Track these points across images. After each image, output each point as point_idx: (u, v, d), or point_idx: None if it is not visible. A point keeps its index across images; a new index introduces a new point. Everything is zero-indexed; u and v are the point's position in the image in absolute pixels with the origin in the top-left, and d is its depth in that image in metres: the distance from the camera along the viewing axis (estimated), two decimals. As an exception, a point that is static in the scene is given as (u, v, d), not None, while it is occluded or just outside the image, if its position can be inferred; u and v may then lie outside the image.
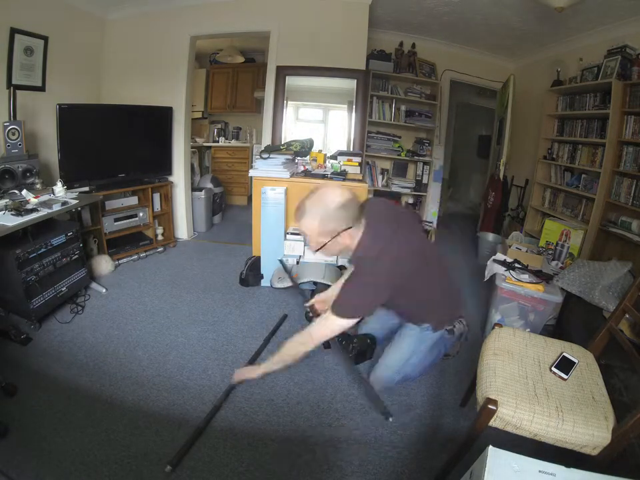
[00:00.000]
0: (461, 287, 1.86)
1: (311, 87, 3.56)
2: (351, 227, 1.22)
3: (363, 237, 1.26)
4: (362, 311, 1.29)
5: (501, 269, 2.16)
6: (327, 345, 1.90)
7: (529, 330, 1.99)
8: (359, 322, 1.51)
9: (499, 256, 2.31)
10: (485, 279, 2.28)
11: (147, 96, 3.20)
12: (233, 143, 5.20)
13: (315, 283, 2.29)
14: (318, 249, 1.26)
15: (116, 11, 3.18)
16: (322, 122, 3.97)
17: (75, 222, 2.40)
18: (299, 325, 2.21)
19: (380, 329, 1.73)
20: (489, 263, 2.31)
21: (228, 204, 4.84)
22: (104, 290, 2.46)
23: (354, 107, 3.47)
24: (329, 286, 2.19)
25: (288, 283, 2.33)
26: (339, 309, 1.23)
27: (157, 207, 3.23)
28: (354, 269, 1.30)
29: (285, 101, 3.40)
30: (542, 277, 2.10)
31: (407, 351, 1.51)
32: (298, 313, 2.33)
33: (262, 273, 2.65)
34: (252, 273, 2.64)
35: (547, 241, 2.85)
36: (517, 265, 2.18)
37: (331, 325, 1.26)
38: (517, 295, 2.04)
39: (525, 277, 2.07)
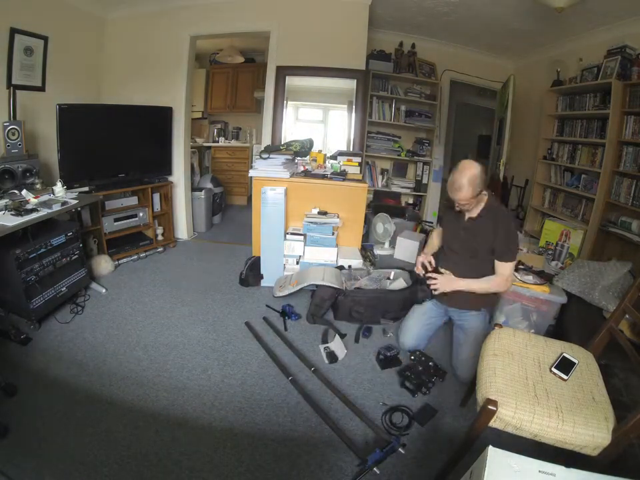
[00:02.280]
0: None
1: (311, 87, 3.56)
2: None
3: (491, 198, 1.67)
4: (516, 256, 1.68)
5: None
6: (333, 359, 1.90)
7: (532, 331, 1.99)
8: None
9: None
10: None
11: (146, 96, 3.20)
12: (233, 143, 5.20)
13: (315, 285, 2.29)
14: (465, 204, 1.61)
15: (116, 11, 3.18)
16: (322, 122, 3.98)
17: (74, 222, 2.39)
18: (299, 324, 2.21)
19: (424, 328, 1.91)
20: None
21: (228, 204, 4.84)
22: (104, 290, 2.46)
23: (354, 107, 3.46)
24: (329, 286, 2.20)
25: (289, 290, 2.34)
26: (513, 255, 1.64)
27: (157, 207, 3.23)
28: (491, 220, 1.62)
29: (285, 101, 3.40)
30: (544, 277, 2.10)
31: (479, 331, 1.73)
32: (298, 312, 2.33)
33: (262, 273, 2.65)
34: (252, 273, 2.64)
35: (546, 241, 2.85)
36: (520, 267, 2.17)
37: (512, 268, 1.66)
38: (521, 296, 2.04)
39: (529, 278, 2.07)
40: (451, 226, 1.84)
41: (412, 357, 1.82)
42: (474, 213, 1.68)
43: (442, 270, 1.78)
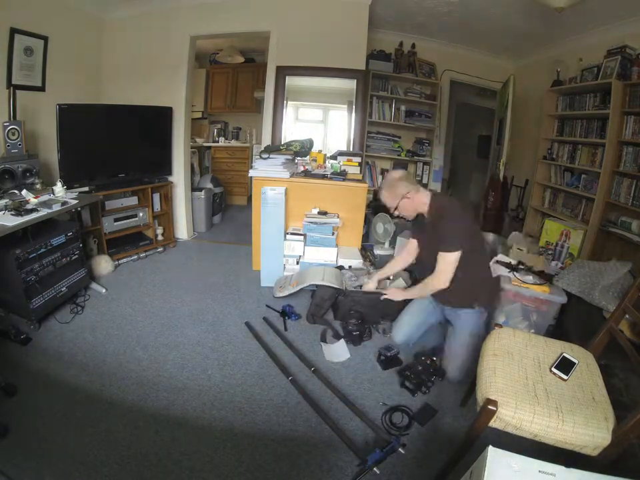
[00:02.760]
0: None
1: (311, 87, 3.56)
2: (412, 191, 1.67)
3: (437, 197, 1.72)
4: (460, 242, 1.56)
5: (504, 271, 2.16)
6: (323, 338, 2.04)
7: (532, 331, 1.99)
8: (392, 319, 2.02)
9: (502, 257, 2.30)
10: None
11: (146, 96, 3.20)
12: (233, 143, 5.20)
13: (315, 285, 2.29)
14: (394, 209, 1.72)
15: (116, 11, 3.17)
16: (322, 122, 3.97)
17: (74, 222, 2.39)
18: (299, 324, 2.21)
19: (416, 325, 1.91)
20: (491, 264, 2.30)
21: (228, 204, 4.84)
22: (104, 290, 2.46)
23: (354, 107, 3.46)
24: (330, 287, 2.20)
25: (289, 291, 2.34)
26: (447, 246, 1.56)
27: (157, 207, 3.23)
28: (439, 217, 1.61)
29: (285, 101, 3.40)
30: (544, 277, 2.10)
31: (472, 329, 1.71)
32: (298, 312, 2.33)
33: (262, 272, 2.66)
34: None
35: (546, 241, 2.85)
36: (520, 267, 2.17)
37: (447, 262, 1.58)
38: (521, 296, 2.04)
39: (529, 278, 2.07)
40: (417, 235, 1.93)
41: (415, 358, 1.81)
42: (426, 217, 1.73)
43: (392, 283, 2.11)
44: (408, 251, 2.00)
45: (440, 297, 1.76)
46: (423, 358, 1.77)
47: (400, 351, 1.93)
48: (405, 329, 1.91)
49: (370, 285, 2.11)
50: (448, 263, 1.58)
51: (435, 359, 1.75)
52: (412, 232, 2.01)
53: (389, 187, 1.71)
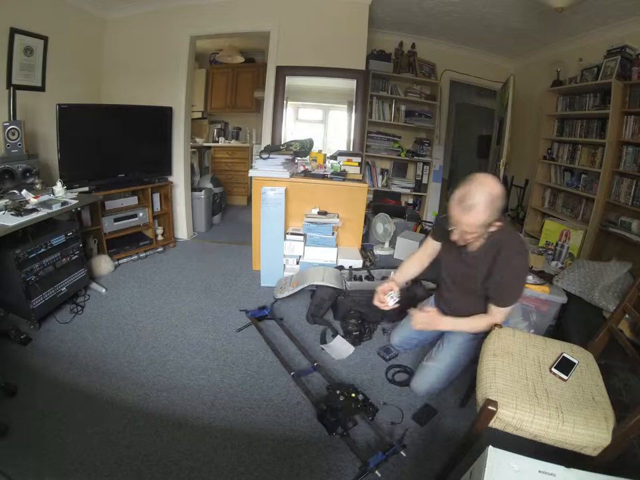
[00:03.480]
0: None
1: (311, 87, 3.56)
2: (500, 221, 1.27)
3: (502, 229, 1.29)
4: (519, 299, 1.38)
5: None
6: (323, 341, 2.01)
7: (532, 331, 1.99)
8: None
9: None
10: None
11: (147, 96, 3.20)
12: (233, 143, 5.20)
13: (315, 285, 2.29)
14: (476, 236, 1.27)
15: (116, 11, 3.17)
16: (322, 122, 3.98)
17: (74, 222, 2.39)
18: (298, 324, 2.21)
19: (417, 332, 1.71)
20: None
21: (228, 204, 4.84)
22: (104, 290, 2.46)
23: (354, 107, 3.47)
24: (330, 287, 2.20)
25: (289, 292, 2.34)
26: (509, 300, 1.33)
27: (157, 207, 3.23)
28: (494, 252, 1.30)
29: (285, 101, 3.40)
30: (544, 277, 2.10)
31: (460, 355, 1.56)
32: (298, 312, 2.34)
33: (262, 272, 2.66)
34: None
35: (546, 241, 2.85)
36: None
37: (505, 314, 1.36)
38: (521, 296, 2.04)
39: (529, 278, 2.07)
40: (447, 254, 1.54)
41: (337, 391, 1.57)
42: (474, 246, 1.37)
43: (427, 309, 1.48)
44: (428, 253, 1.65)
45: (447, 310, 1.59)
46: (338, 392, 1.54)
47: (399, 353, 1.93)
48: (403, 332, 1.85)
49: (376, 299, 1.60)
50: (506, 315, 1.37)
51: (356, 394, 1.54)
52: (438, 237, 1.59)
53: (490, 205, 1.16)
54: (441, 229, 1.48)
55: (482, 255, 1.35)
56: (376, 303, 1.58)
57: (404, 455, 1.35)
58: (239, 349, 1.96)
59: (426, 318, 1.44)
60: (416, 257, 1.68)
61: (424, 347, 1.90)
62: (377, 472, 1.27)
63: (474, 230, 1.22)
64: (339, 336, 2.02)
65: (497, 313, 1.36)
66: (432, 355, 1.65)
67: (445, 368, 1.57)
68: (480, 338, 1.44)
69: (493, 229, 1.26)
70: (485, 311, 1.42)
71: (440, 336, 1.71)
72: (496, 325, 1.35)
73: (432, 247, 1.63)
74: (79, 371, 1.72)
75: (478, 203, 1.15)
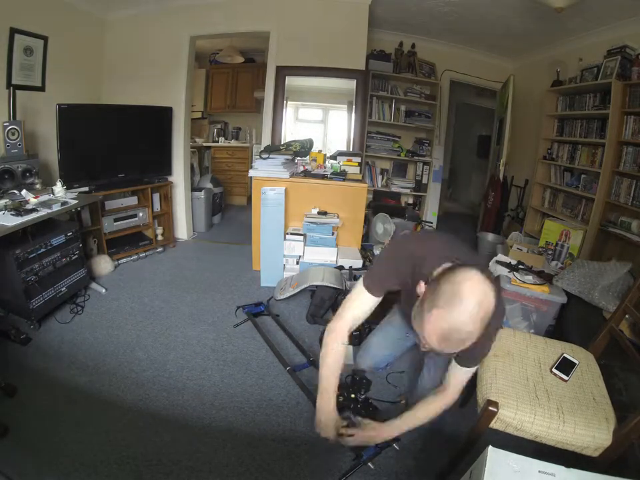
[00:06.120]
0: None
1: (311, 87, 3.56)
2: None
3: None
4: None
5: (504, 271, 2.16)
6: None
7: (532, 331, 1.99)
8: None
9: (502, 257, 2.30)
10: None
11: (146, 96, 3.20)
12: (233, 143, 5.20)
13: (315, 286, 2.29)
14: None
15: (116, 11, 3.17)
16: (322, 122, 3.98)
17: (74, 222, 2.39)
18: (297, 324, 2.21)
19: (389, 349, 1.56)
20: (491, 264, 2.30)
21: (227, 204, 4.84)
22: (104, 290, 2.46)
23: (354, 107, 3.46)
24: (330, 287, 2.20)
25: (289, 293, 2.35)
26: (475, 361, 1.09)
27: (157, 207, 3.23)
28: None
29: (285, 101, 3.40)
30: (544, 277, 2.10)
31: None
32: (298, 312, 2.34)
33: (262, 272, 2.66)
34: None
35: (546, 241, 2.85)
36: (520, 267, 2.17)
37: (468, 376, 1.12)
38: (520, 296, 2.04)
39: (529, 278, 2.07)
40: (404, 295, 1.29)
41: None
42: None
43: (359, 420, 1.25)
44: (362, 316, 1.19)
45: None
46: (337, 392, 1.22)
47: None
48: (374, 352, 1.56)
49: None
50: (469, 376, 1.12)
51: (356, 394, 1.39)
52: (381, 293, 1.14)
53: (481, 320, 0.80)
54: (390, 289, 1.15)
55: None
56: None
57: (397, 448, 1.35)
58: (238, 348, 1.96)
59: (364, 434, 1.20)
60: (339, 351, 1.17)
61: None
62: (369, 464, 1.27)
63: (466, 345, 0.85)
64: (351, 346, 2.00)
65: (462, 376, 1.11)
66: (427, 372, 1.43)
67: (387, 342, 1.48)
68: None
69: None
70: None
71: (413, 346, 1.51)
72: (457, 393, 1.13)
73: (370, 304, 1.15)
74: (78, 370, 1.72)
75: (467, 338, 0.81)
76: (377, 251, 3.15)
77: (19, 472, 1.21)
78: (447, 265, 0.91)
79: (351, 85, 3.40)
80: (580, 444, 1.00)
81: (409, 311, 1.00)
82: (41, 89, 2.73)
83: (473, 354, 1.03)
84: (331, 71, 3.25)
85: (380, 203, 3.97)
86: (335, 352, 1.16)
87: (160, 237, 3.26)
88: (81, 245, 2.28)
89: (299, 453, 1.38)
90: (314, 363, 1.79)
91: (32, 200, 2.06)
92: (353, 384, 1.54)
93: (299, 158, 2.95)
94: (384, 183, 4.23)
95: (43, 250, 2.00)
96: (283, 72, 3.28)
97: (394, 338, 1.53)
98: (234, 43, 4.64)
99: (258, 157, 2.74)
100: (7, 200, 1.98)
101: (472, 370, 1.10)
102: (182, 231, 3.57)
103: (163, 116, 3.17)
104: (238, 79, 5.11)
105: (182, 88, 3.27)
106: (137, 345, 1.94)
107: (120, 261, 2.88)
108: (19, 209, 1.90)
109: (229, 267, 2.96)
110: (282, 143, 3.18)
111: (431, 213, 4.26)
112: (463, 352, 0.89)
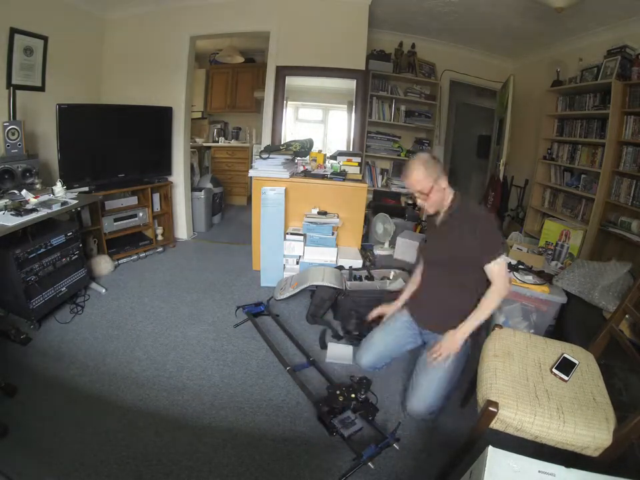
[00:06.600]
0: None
1: (311, 87, 3.56)
2: (444, 179, 1.43)
3: (463, 197, 1.47)
4: (503, 248, 1.42)
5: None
6: (323, 345, 1.99)
7: (532, 331, 1.99)
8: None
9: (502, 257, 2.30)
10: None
11: (146, 96, 3.20)
12: (233, 143, 5.20)
13: (315, 286, 2.29)
14: (426, 194, 1.41)
15: (116, 11, 3.17)
16: (322, 122, 3.98)
17: (74, 222, 2.39)
18: (297, 324, 2.21)
19: (389, 348, 1.66)
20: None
21: (227, 204, 4.84)
22: (104, 290, 2.46)
23: (354, 107, 3.46)
24: (330, 287, 2.20)
25: (289, 293, 2.35)
26: (497, 252, 1.37)
27: (157, 207, 3.23)
28: (471, 221, 1.40)
29: (285, 101, 3.40)
30: (544, 277, 2.09)
31: (454, 362, 1.46)
32: (298, 312, 2.34)
33: (262, 272, 2.66)
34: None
35: (546, 241, 2.85)
36: (520, 266, 2.17)
37: (502, 267, 1.39)
38: (520, 296, 2.04)
39: (529, 278, 2.07)
40: (428, 241, 1.62)
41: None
42: (439, 212, 1.48)
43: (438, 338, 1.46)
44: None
45: (427, 320, 1.57)
46: (338, 392, 1.51)
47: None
48: (374, 351, 1.66)
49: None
50: (503, 267, 1.38)
51: (356, 394, 1.49)
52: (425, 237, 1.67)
53: (424, 164, 1.39)
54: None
55: (454, 221, 1.44)
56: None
57: (397, 447, 1.35)
58: (238, 348, 1.96)
59: (443, 344, 1.41)
60: (415, 280, 1.71)
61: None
62: (370, 464, 1.27)
63: (423, 185, 1.40)
64: (330, 343, 2.01)
65: (498, 270, 1.38)
66: (420, 369, 1.51)
67: (441, 382, 1.44)
68: (471, 338, 1.46)
69: (443, 185, 1.42)
70: (472, 288, 1.45)
71: (422, 345, 1.62)
72: (503, 285, 1.38)
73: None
74: (78, 371, 1.72)
75: (411, 165, 1.42)
76: (377, 251, 3.14)
77: (19, 472, 1.21)
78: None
79: (351, 85, 3.40)
80: (580, 444, 1.00)
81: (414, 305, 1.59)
82: (41, 89, 2.74)
83: (484, 245, 1.36)
84: (331, 71, 3.26)
85: (380, 203, 3.97)
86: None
87: (160, 237, 3.26)
88: (80, 245, 2.29)
89: (298, 452, 1.38)
90: (314, 363, 1.80)
91: (32, 200, 2.06)
92: (353, 384, 1.55)
93: (298, 158, 2.95)
94: (384, 183, 4.23)
95: (43, 250, 2.00)
96: (283, 72, 3.28)
97: (394, 337, 1.65)
98: (234, 42, 4.64)
99: (258, 156, 2.74)
100: (7, 200, 1.98)
101: (499, 260, 1.37)
102: (182, 231, 3.57)
103: (162, 116, 3.17)
104: (238, 78, 5.11)
105: (182, 88, 3.27)
106: (136, 345, 1.94)
107: (120, 261, 2.88)
108: (19, 208, 1.90)
109: (229, 267, 2.96)
110: (282, 143, 3.18)
111: (430, 213, 4.25)
112: (482, 249, 1.36)
